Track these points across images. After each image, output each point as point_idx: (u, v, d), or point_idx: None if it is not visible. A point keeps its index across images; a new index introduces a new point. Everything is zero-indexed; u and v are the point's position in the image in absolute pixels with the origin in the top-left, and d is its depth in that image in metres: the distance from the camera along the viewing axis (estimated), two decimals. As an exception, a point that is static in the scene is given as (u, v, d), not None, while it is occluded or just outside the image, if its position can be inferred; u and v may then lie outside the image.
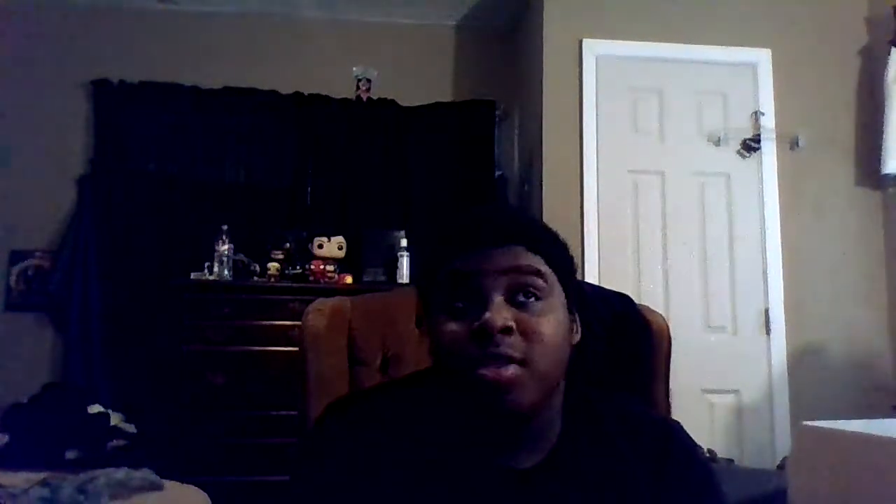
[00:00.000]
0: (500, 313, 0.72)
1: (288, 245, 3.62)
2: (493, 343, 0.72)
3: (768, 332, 3.19)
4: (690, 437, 0.85)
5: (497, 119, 4.11)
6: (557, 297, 0.78)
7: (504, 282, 0.75)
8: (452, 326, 0.74)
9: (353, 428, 0.79)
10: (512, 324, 0.73)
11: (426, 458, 0.77)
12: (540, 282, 0.76)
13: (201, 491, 2.23)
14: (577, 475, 0.78)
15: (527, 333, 0.73)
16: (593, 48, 3.30)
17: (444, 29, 4.24)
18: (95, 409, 3.20)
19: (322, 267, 3.53)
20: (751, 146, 3.29)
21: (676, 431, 0.85)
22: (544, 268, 0.77)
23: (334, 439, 0.79)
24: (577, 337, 0.82)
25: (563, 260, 0.81)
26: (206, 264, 3.46)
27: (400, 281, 3.54)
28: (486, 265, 0.75)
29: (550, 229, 0.84)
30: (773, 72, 3.34)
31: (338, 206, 3.93)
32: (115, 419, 3.23)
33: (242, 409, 3.26)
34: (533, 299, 0.75)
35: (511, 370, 0.72)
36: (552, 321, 0.75)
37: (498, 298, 0.74)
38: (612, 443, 0.81)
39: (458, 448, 0.77)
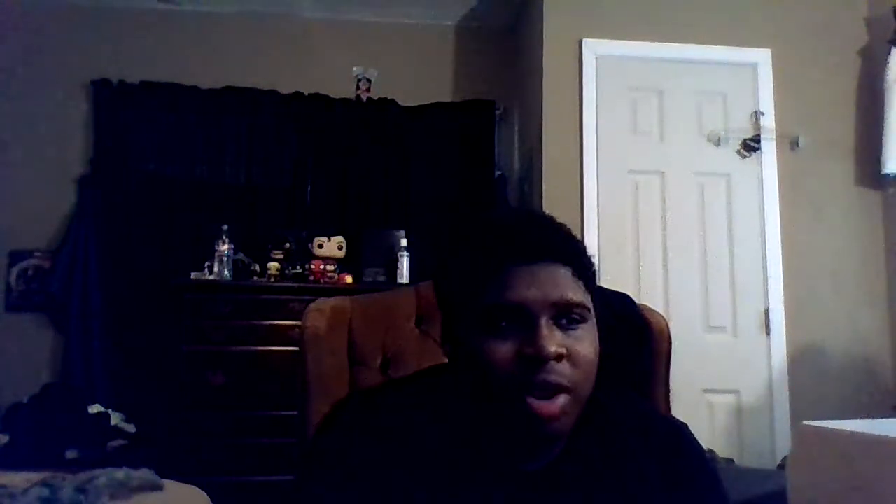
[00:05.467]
0: (554, 339, 0.72)
1: (288, 245, 3.62)
2: (545, 370, 0.71)
3: (768, 332, 3.19)
4: (697, 439, 0.85)
5: (497, 119, 4.12)
6: (593, 320, 0.78)
7: (552, 307, 0.74)
8: (496, 346, 0.72)
9: (361, 428, 0.79)
10: (563, 351, 0.72)
11: (435, 461, 0.76)
12: (585, 312, 0.76)
13: (201, 491, 2.22)
14: (587, 475, 0.78)
15: (573, 359, 0.73)
16: (593, 48, 3.30)
17: (444, 29, 4.24)
18: (95, 409, 3.20)
19: (322, 267, 3.53)
20: (751, 146, 3.29)
21: (685, 432, 0.85)
22: (588, 297, 0.77)
23: (342, 440, 0.79)
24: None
25: (593, 275, 0.80)
26: (206, 264, 3.46)
27: (400, 281, 3.54)
28: (536, 293, 0.73)
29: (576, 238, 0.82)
30: (773, 72, 3.34)
31: (338, 206, 3.93)
32: (115, 419, 3.24)
33: (242, 409, 3.26)
34: (576, 325, 0.75)
35: (559, 401, 0.71)
36: (592, 345, 0.76)
37: (547, 321, 0.73)
38: (622, 440, 0.81)
39: (469, 452, 0.77)
